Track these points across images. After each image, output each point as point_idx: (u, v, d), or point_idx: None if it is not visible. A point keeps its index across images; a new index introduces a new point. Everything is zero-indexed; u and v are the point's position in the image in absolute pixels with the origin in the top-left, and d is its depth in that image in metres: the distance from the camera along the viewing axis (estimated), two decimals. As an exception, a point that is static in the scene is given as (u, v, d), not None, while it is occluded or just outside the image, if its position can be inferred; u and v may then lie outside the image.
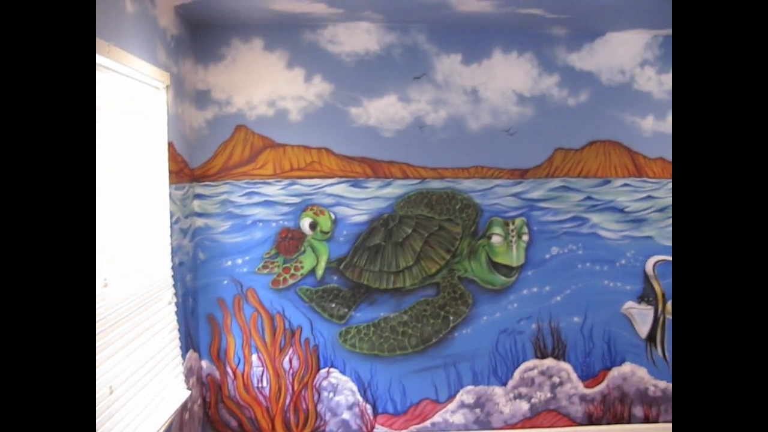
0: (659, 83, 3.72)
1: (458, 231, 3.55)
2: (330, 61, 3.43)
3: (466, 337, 3.56)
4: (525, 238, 3.60)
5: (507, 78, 3.54)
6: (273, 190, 3.44)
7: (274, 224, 3.45)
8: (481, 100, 3.52)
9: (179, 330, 3.02)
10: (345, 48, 3.44)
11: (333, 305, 3.45)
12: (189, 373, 3.19)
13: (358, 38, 3.44)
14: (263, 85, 3.42)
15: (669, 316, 3.80)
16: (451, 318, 3.54)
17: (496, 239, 3.58)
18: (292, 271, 3.45)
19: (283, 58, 3.42)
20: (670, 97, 3.72)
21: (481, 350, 3.59)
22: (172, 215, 2.98)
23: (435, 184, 3.52)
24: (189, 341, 3.25)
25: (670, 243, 3.78)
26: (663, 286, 3.78)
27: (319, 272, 3.46)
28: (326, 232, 3.44)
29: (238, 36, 3.39)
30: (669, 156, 3.75)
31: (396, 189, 3.49)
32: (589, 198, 3.68)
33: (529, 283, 3.62)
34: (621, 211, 3.72)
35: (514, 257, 3.60)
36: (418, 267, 3.51)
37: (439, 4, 2.99)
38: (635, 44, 3.66)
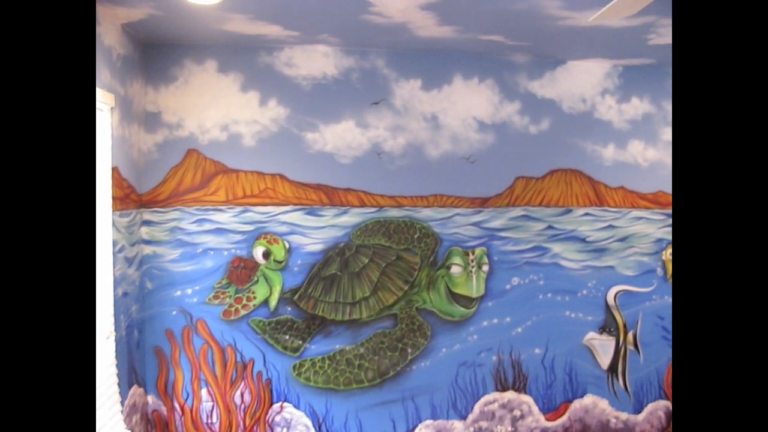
0: (619, 112, 3.93)
1: (417, 261, 3.69)
2: (286, 85, 3.55)
3: (424, 370, 3.69)
4: (485, 268, 3.76)
5: (467, 104, 3.72)
6: (225, 218, 3.53)
7: (225, 253, 3.54)
8: (441, 126, 3.68)
9: (120, 365, 3.07)
10: (301, 71, 3.56)
11: (287, 337, 3.54)
12: (132, 410, 3.23)
13: (315, 62, 3.57)
14: (216, 108, 3.52)
15: (630, 347, 3.99)
16: (409, 350, 3.66)
17: (455, 269, 3.72)
18: (245, 302, 3.54)
19: (237, 81, 3.53)
20: (630, 127, 3.94)
21: (440, 383, 3.71)
22: (115, 243, 3.03)
23: (393, 213, 3.66)
24: (133, 376, 3.29)
25: (631, 273, 3.98)
26: (624, 316, 3.97)
27: (273, 303, 3.55)
28: (280, 262, 3.54)
29: (191, 57, 3.49)
30: (629, 185, 3.96)
31: (353, 217, 3.62)
32: (550, 227, 3.86)
33: (490, 314, 3.77)
34: (582, 240, 3.91)
35: (474, 288, 3.75)
36: (375, 298, 3.63)
37: (398, 29, 3.14)
38: (596, 73, 3.88)
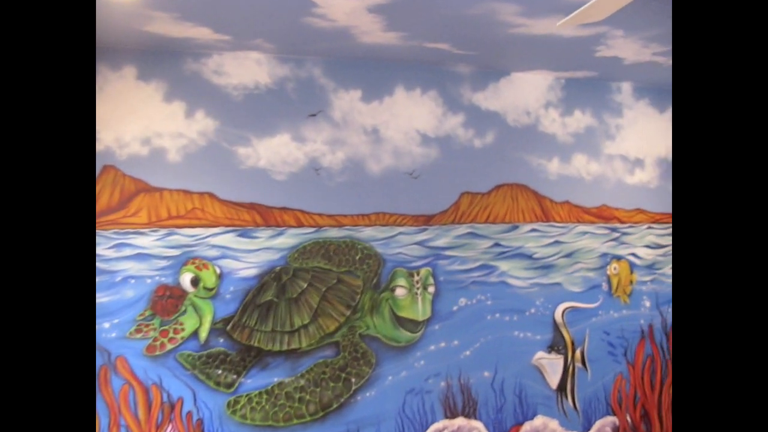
0: (563, 125, 4.01)
1: (359, 284, 3.60)
2: (215, 95, 3.38)
3: (370, 401, 3.59)
4: (431, 289, 3.71)
5: (410, 117, 3.67)
6: (148, 242, 3.31)
7: (149, 281, 3.31)
8: (382, 140, 3.62)
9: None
10: (232, 80, 3.41)
11: (219, 372, 3.36)
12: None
13: (247, 69, 3.43)
14: (136, 119, 3.30)
15: (578, 365, 4.05)
16: (353, 380, 3.56)
17: (400, 292, 3.66)
18: (171, 335, 3.32)
19: (160, 90, 3.33)
20: (573, 140, 4.02)
21: (387, 413, 3.62)
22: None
23: (333, 233, 3.56)
24: (41, 424, 3.01)
25: (577, 289, 4.05)
26: (572, 333, 4.03)
27: (203, 335, 3.35)
28: (210, 289, 3.36)
29: (107, 62, 3.26)
30: (574, 199, 4.04)
31: (289, 239, 3.48)
32: (497, 245, 3.87)
33: (437, 337, 3.72)
34: (529, 257, 3.94)
35: (420, 310, 3.69)
36: (315, 325, 3.51)
37: (341, 34, 3.04)
38: (539, 85, 3.94)
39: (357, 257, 3.59)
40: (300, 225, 3.49)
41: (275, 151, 3.44)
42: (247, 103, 3.41)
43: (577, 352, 4.04)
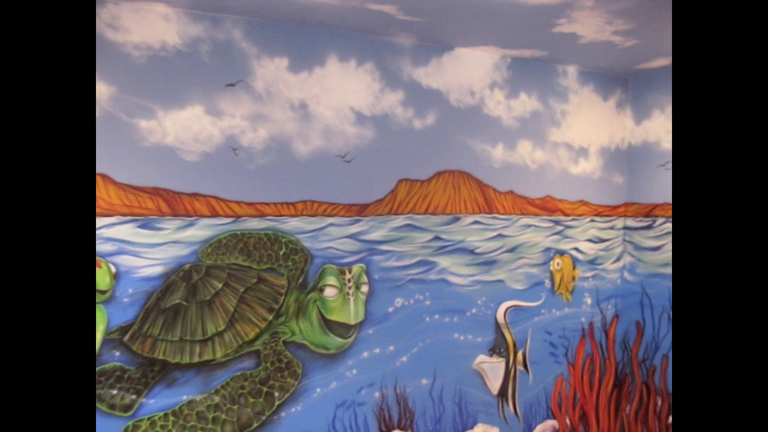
0: (508, 108, 3.77)
1: (283, 283, 3.18)
2: (110, 54, 2.82)
3: (296, 417, 3.18)
4: (364, 288, 3.36)
5: (343, 91, 3.28)
6: (20, 233, 2.73)
7: (21, 281, 2.74)
8: (311, 117, 3.21)
9: None
10: (132, 37, 2.86)
11: (115, 392, 2.83)
12: None
13: (151, 25, 2.89)
14: (5, 81, 2.70)
15: (520, 368, 3.85)
16: (277, 394, 3.15)
17: (329, 292, 3.28)
18: (50, 347, 2.77)
19: (37, 46, 2.74)
20: (519, 125, 3.79)
21: (315, 430, 3.24)
22: None
23: (253, 224, 3.11)
24: None
25: (520, 286, 3.84)
26: (514, 334, 3.83)
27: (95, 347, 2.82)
28: (104, 291, 2.82)
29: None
30: (519, 189, 3.82)
31: (201, 231, 3.00)
32: (437, 238, 3.58)
33: (371, 343, 3.38)
34: (471, 252, 3.67)
35: (352, 313, 3.33)
36: (232, 332, 3.05)
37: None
38: (484, 63, 3.66)
39: (281, 252, 3.16)
40: (214, 214, 3.02)
41: (185, 126, 2.94)
42: (151, 67, 2.88)
43: (519, 354, 3.84)
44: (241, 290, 3.07)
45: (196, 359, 2.97)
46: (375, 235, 3.39)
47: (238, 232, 3.06)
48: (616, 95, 4.21)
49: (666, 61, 3.72)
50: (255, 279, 3.11)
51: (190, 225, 2.96)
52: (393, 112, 3.41)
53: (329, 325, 3.27)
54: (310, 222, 3.23)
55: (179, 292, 2.94)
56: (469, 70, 3.61)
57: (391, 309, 3.43)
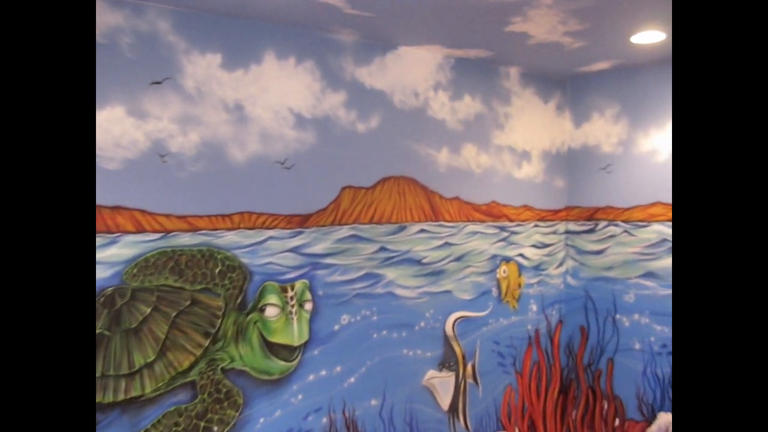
0: (452, 111, 3.62)
1: (220, 305, 2.86)
2: (8, 48, 2.43)
3: (235, 453, 2.88)
4: (308, 306, 3.09)
5: (282, 92, 3.01)
6: None
7: None
8: (247, 119, 2.92)
9: None
10: (35, 29, 2.47)
11: (20, 440, 2.43)
12: None
13: (57, 16, 2.51)
14: None
15: (470, 380, 3.71)
16: (216, 428, 2.81)
17: (271, 311, 2.99)
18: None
19: None
20: (463, 128, 3.65)
21: (256, 465, 2.95)
22: None
23: (184, 240, 2.77)
24: None
25: (467, 296, 3.70)
26: (463, 346, 3.68)
27: None
28: (6, 324, 2.41)
29: None
30: (465, 195, 3.68)
31: (125, 249, 2.62)
32: (383, 249, 3.36)
33: (316, 365, 3.11)
34: (418, 263, 3.49)
35: (296, 333, 3.06)
36: (163, 363, 2.70)
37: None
38: (428, 63, 3.49)
39: (216, 270, 2.84)
40: (140, 230, 2.65)
41: (104, 129, 2.56)
42: (60, 62, 2.50)
43: (469, 367, 3.70)
44: (173, 314, 2.73)
45: (121, 396, 2.60)
46: (318, 248, 3.13)
47: (168, 250, 2.71)
48: (556, 98, 4.17)
49: (606, 64, 3.71)
50: (188, 301, 2.77)
51: (112, 243, 2.58)
52: (335, 114, 3.17)
53: (272, 348, 2.98)
54: (247, 235, 2.93)
55: (100, 320, 2.56)
56: (412, 71, 3.43)
57: (336, 327, 3.19)
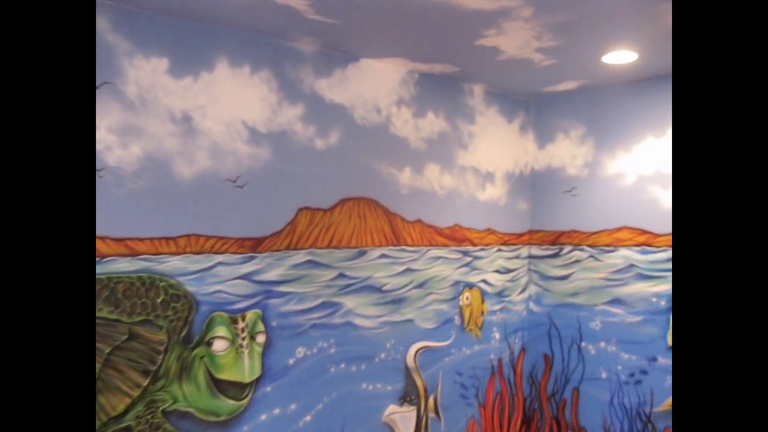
0: (416, 128, 3.43)
1: (161, 338, 2.55)
2: None
3: (176, 507, 2.56)
4: (260, 339, 2.81)
5: (235, 102, 2.75)
6: None
7: None
8: (196, 132, 2.64)
9: None
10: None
11: None
12: None
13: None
14: None
15: (432, 415, 3.49)
16: (153, 481, 2.50)
17: (219, 345, 2.69)
18: None
19: None
20: (426, 146, 3.47)
21: None
22: None
23: (122, 266, 2.46)
24: None
25: (430, 325, 3.49)
26: (424, 378, 3.46)
27: None
28: None
29: None
30: (427, 218, 3.49)
31: (53, 276, 2.31)
32: (341, 275, 3.12)
33: (269, 403, 2.83)
34: (379, 290, 3.26)
35: (247, 369, 2.77)
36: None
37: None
38: (391, 77, 3.31)
39: (159, 300, 2.54)
40: (70, 255, 2.33)
41: (28, 140, 2.24)
42: (-22, 62, 2.18)
43: (431, 400, 3.48)
44: (107, 351, 2.40)
45: (43, 448, 2.25)
46: (272, 275, 2.86)
47: (103, 277, 2.40)
48: (520, 117, 4.05)
49: (573, 84, 3.61)
50: (125, 335, 2.45)
51: (36, 270, 2.25)
52: (292, 128, 2.93)
53: (220, 386, 2.68)
54: (194, 261, 2.63)
55: (19, 360, 2.21)
56: (375, 85, 3.24)
57: (291, 361, 2.92)
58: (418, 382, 3.42)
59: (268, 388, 2.83)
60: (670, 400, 3.37)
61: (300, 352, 2.95)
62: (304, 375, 2.95)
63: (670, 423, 3.37)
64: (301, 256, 2.97)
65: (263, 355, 2.82)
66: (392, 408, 3.30)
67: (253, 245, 2.80)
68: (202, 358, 2.64)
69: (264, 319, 2.83)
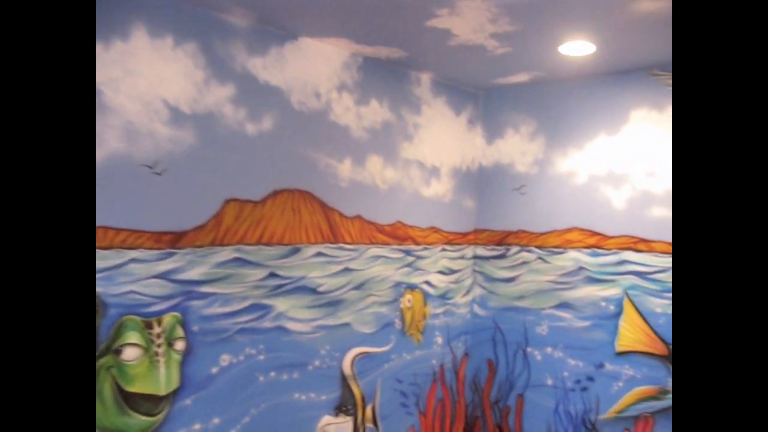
0: (358, 117, 3.19)
1: (61, 346, 2.23)
2: None
3: None
4: (179, 345, 2.50)
5: (154, 78, 2.42)
6: None
7: None
8: (107, 109, 2.30)
9: None
10: None
11: None
12: None
13: None
14: None
15: (369, 425, 3.26)
16: None
17: (130, 353, 2.37)
18: None
19: None
20: (368, 137, 3.23)
21: None
22: None
23: (14, 261, 2.12)
24: None
25: (368, 329, 3.25)
26: (362, 387, 3.23)
27: None
28: None
29: None
30: (367, 214, 3.25)
31: None
32: (273, 275, 2.84)
33: (188, 417, 2.52)
34: (314, 291, 3.00)
35: (163, 380, 2.46)
36: (-28, 429, 2.03)
37: None
38: (333, 60, 3.05)
39: (57, 302, 2.21)
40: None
41: None
42: None
43: (368, 410, 3.25)
44: (-10, 363, 2.06)
45: None
46: (193, 274, 2.56)
47: (-13, 275, 2.05)
48: (468, 110, 3.87)
49: (525, 76, 3.45)
50: (13, 344, 2.11)
51: None
52: (220, 111, 2.63)
53: (130, 400, 2.36)
54: (102, 257, 2.30)
55: None
56: (315, 67, 2.97)
57: (215, 369, 2.62)
58: (355, 391, 3.18)
59: (188, 401, 2.53)
60: (615, 407, 3.26)
61: (225, 359, 2.66)
62: (229, 385, 2.67)
63: (615, 430, 3.26)
64: (227, 253, 2.68)
65: (182, 363, 2.51)
66: (327, 419, 3.04)
67: (173, 240, 2.49)
68: (108, 368, 2.32)
69: (184, 324, 2.52)
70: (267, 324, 2.82)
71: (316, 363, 3.01)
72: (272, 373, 2.83)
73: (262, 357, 2.79)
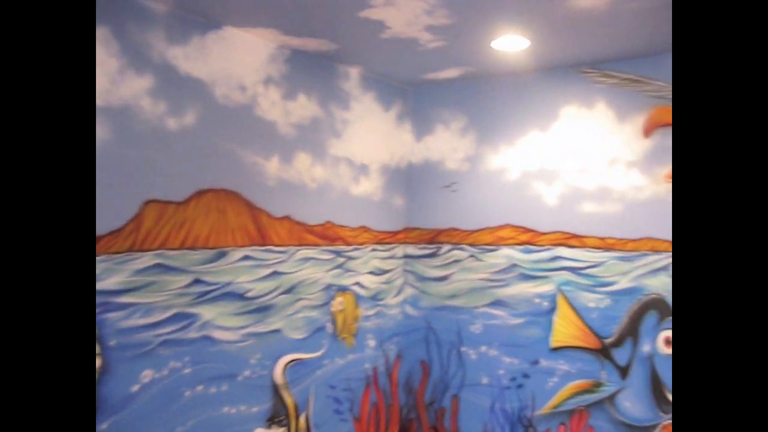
0: (285, 112, 3.03)
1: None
2: None
3: None
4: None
5: (60, 69, 2.20)
6: None
7: None
8: (5, 103, 2.06)
9: None
10: None
11: None
12: None
13: None
14: None
15: (302, 437, 3.12)
16: None
17: (39, 373, 2.14)
18: None
19: None
20: (296, 133, 3.08)
21: None
22: None
23: None
24: None
25: (300, 335, 3.11)
26: (294, 395, 3.08)
27: None
28: None
29: None
30: (296, 214, 3.10)
31: None
32: (198, 281, 2.65)
33: (106, 442, 2.31)
34: (242, 297, 2.82)
35: (77, 401, 2.24)
36: None
37: None
38: (258, 52, 2.88)
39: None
40: None
41: None
42: None
43: (301, 420, 3.11)
44: None
45: None
46: (110, 282, 2.34)
47: None
48: (397, 106, 3.78)
49: (456, 72, 3.40)
50: None
51: None
52: (138, 103, 2.41)
53: (37, 428, 2.12)
54: (2, 267, 2.05)
55: None
56: (240, 58, 2.80)
57: (135, 387, 2.41)
58: (288, 400, 3.03)
59: (104, 425, 2.30)
60: (551, 403, 3.28)
61: (146, 375, 2.44)
62: (151, 404, 2.45)
63: (551, 425, 3.28)
64: (147, 259, 2.46)
65: (98, 383, 2.29)
66: (259, 431, 2.89)
67: (85, 247, 2.26)
68: (13, 392, 2.07)
69: (99, 338, 2.30)
70: (192, 334, 2.62)
71: (246, 373, 2.84)
72: (199, 387, 2.64)
73: (187, 370, 2.59)
